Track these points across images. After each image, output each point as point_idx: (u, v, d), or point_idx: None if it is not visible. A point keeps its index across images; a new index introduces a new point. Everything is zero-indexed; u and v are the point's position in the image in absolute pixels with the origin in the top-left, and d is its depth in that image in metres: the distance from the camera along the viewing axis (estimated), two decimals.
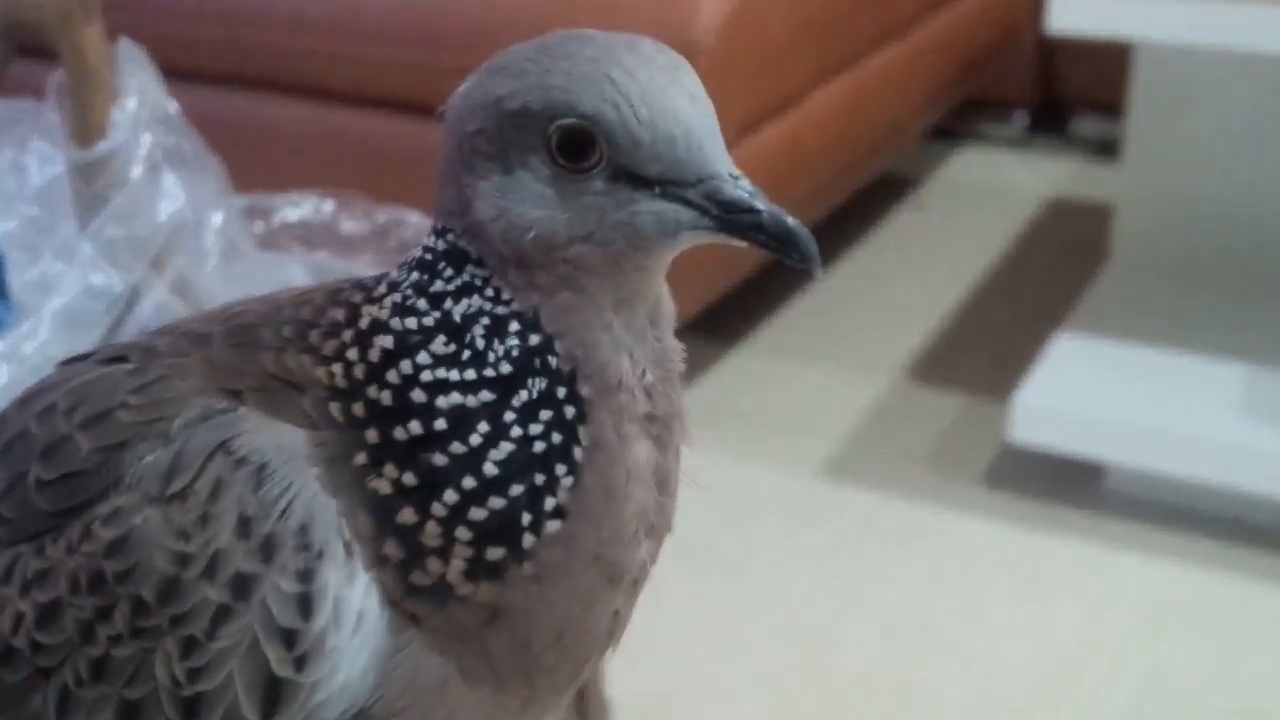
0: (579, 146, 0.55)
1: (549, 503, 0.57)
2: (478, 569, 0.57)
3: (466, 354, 0.57)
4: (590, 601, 0.60)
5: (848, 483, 1.83)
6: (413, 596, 0.57)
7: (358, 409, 0.58)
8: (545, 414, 0.57)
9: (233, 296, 1.17)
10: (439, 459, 0.57)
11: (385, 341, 0.58)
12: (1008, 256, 2.49)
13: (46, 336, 1.11)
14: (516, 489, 0.57)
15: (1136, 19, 1.65)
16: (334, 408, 0.58)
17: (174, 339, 0.65)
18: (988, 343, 2.18)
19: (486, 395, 0.57)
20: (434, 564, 0.57)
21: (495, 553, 0.57)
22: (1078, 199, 2.74)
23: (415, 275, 0.59)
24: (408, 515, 0.57)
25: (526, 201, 0.56)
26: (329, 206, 1.32)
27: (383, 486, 0.57)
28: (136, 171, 1.15)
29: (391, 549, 0.57)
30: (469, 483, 0.57)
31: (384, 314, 0.59)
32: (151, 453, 0.59)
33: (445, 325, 0.58)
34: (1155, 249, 2.07)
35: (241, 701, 0.57)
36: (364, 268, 1.27)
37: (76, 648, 0.59)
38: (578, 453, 0.58)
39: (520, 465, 0.57)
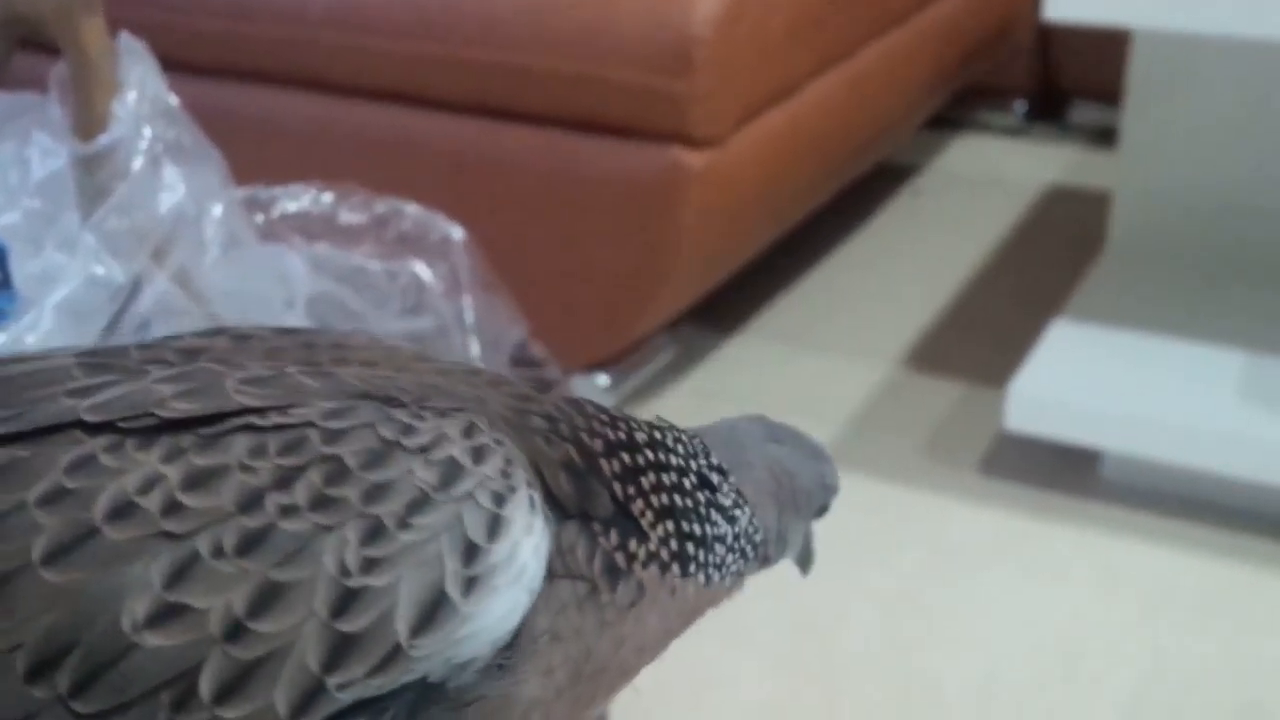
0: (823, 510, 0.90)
1: (710, 570, 0.77)
2: (653, 559, 0.71)
3: (727, 529, 0.79)
4: (652, 647, 0.75)
5: (845, 469, 1.81)
6: (607, 574, 0.67)
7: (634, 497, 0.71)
8: (742, 561, 0.82)
9: (233, 287, 1.19)
10: (681, 509, 0.75)
11: (669, 479, 0.75)
12: (1006, 244, 2.49)
13: (49, 327, 1.12)
14: (704, 555, 0.76)
15: (1134, 6, 1.66)
16: (594, 483, 0.68)
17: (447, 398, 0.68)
18: (985, 330, 2.19)
19: (727, 527, 0.79)
20: (634, 545, 0.69)
21: (674, 565, 0.73)
22: (1076, 187, 2.74)
23: (693, 472, 0.77)
24: (636, 509, 0.70)
25: (795, 540, 0.89)
26: (327, 198, 1.33)
27: (636, 510, 0.71)
28: (138, 164, 1.16)
29: (614, 536, 0.68)
30: (691, 529, 0.75)
31: (667, 460, 0.75)
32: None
33: (718, 507, 0.78)
34: (1153, 236, 2.07)
35: (398, 612, 0.56)
36: (363, 258, 1.28)
37: (228, 517, 0.56)
38: (728, 583, 0.82)
39: (719, 552, 0.78)
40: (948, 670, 1.47)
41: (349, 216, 1.32)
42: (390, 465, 0.57)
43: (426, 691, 0.59)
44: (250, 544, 0.56)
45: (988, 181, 2.80)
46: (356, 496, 0.57)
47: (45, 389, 0.62)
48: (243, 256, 1.23)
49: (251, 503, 0.56)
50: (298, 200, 1.33)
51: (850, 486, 1.84)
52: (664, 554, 0.72)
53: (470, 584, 0.57)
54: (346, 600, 0.56)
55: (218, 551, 0.55)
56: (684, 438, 0.79)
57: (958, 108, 2.97)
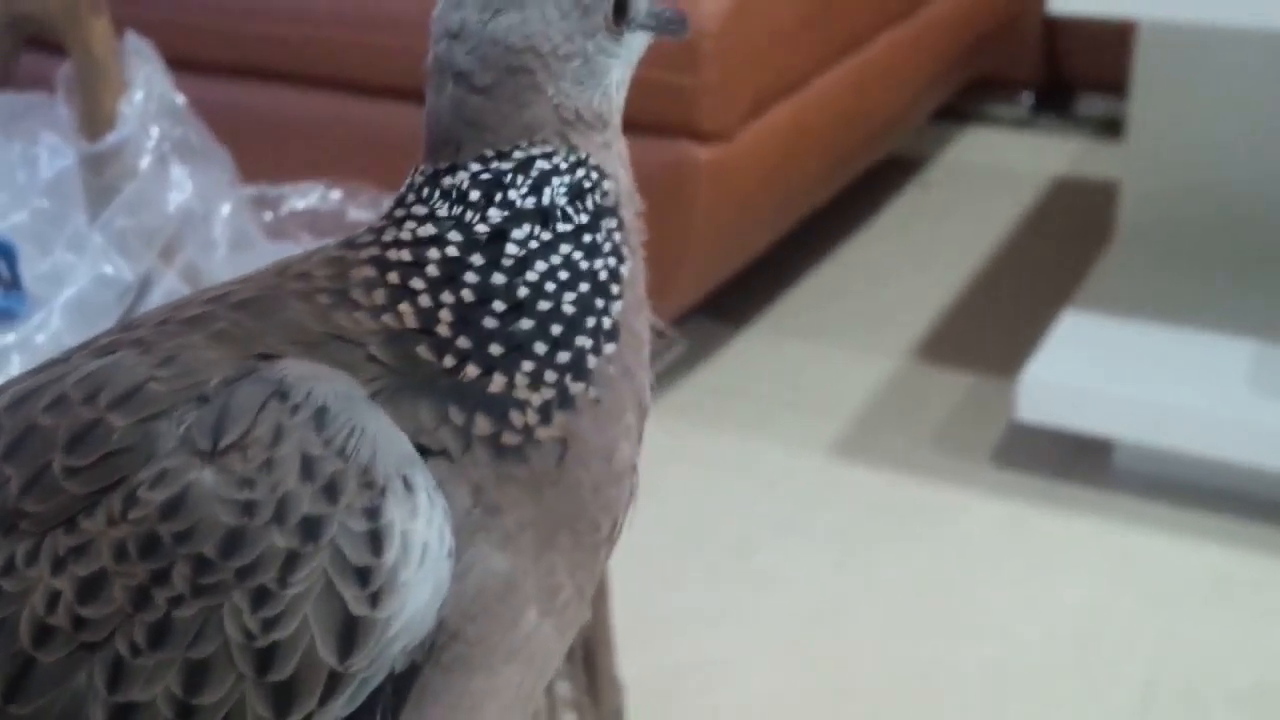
0: (621, 11, 0.66)
1: (607, 323, 0.63)
2: (553, 406, 0.61)
3: (556, 225, 0.63)
4: (627, 429, 0.64)
5: (857, 463, 1.84)
6: (502, 458, 0.60)
7: (442, 329, 0.61)
8: (608, 245, 0.64)
9: None
10: (525, 323, 0.61)
11: (448, 250, 0.62)
12: (1014, 236, 2.49)
13: (58, 327, 1.12)
14: (590, 320, 0.62)
15: None
16: (420, 349, 0.60)
17: (157, 329, 0.64)
18: (995, 321, 2.18)
19: (565, 248, 0.63)
20: (517, 417, 0.60)
21: (576, 387, 0.61)
22: (1083, 178, 2.74)
23: (467, 201, 0.63)
24: (498, 383, 0.60)
25: (608, 71, 0.66)
26: (336, 195, 1.33)
27: (471, 372, 0.60)
28: (145, 163, 1.16)
29: (482, 424, 0.60)
30: (556, 330, 0.61)
31: (424, 236, 0.63)
32: (192, 413, 0.59)
33: (523, 216, 0.62)
34: (1160, 226, 2.07)
35: (318, 645, 0.57)
36: None
37: (129, 617, 0.57)
38: (625, 270, 0.64)
39: (591, 296, 0.63)
40: (961, 660, 1.47)
41: (358, 214, 1.32)
42: (249, 546, 0.57)
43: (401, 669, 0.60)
44: (158, 637, 0.58)
45: (995, 173, 2.80)
46: (230, 577, 0.57)
47: None
48: (251, 255, 1.23)
49: (142, 601, 0.58)
50: (306, 198, 1.33)
51: (862, 479, 1.86)
52: (551, 394, 0.61)
53: (375, 597, 0.57)
54: (264, 658, 0.57)
55: (135, 650, 0.58)
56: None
57: (965, 100, 2.97)
